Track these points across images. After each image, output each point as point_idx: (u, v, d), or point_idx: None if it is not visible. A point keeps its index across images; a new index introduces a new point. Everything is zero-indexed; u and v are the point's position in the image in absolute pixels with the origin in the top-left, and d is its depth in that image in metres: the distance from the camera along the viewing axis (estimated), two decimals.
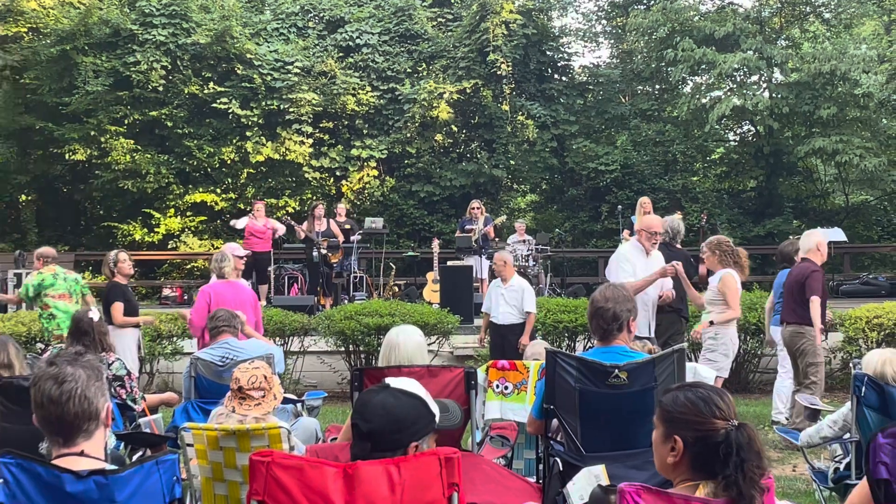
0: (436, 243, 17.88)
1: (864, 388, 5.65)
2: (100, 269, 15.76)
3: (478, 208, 17.00)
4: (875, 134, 23.71)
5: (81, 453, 3.00)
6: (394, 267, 19.43)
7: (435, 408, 3.40)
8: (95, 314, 7.16)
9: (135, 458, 6.07)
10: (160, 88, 22.96)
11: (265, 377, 5.43)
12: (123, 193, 23.27)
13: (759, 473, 2.86)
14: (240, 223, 17.19)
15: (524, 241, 17.62)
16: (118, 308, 10.17)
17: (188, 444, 5.08)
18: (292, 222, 17.36)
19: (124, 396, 6.99)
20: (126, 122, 22.97)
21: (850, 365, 9.00)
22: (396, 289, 18.65)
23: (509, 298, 10.92)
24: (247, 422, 5.11)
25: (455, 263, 16.75)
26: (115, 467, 2.99)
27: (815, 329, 9.09)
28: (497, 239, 17.56)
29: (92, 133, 22.59)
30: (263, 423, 5.09)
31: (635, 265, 8.82)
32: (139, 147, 22.92)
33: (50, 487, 2.87)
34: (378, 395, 3.24)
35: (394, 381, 3.41)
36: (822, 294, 9.32)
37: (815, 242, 9.46)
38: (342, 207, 18.59)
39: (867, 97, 22.41)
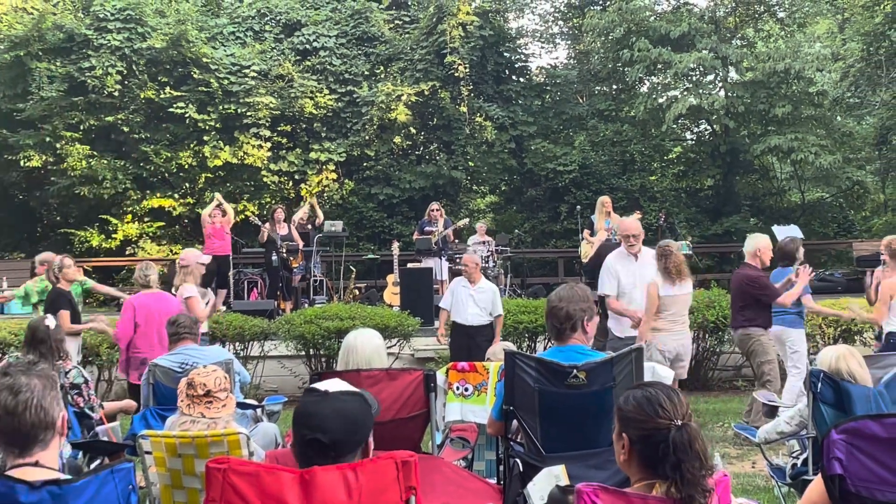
0: (395, 246, 17.83)
1: (819, 385, 5.70)
2: None
3: (437, 210, 17.03)
4: (830, 131, 24.00)
5: (36, 463, 2.98)
6: (354, 270, 19.39)
7: (371, 398, 3.40)
8: (52, 322, 7.11)
9: (93, 466, 6.03)
10: (116, 93, 22.74)
11: (225, 377, 5.44)
12: (80, 200, 23.01)
13: (701, 475, 2.85)
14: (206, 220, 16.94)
15: (484, 242, 17.62)
16: (65, 316, 10.04)
17: (146, 452, 5.05)
18: (258, 221, 17.25)
19: (82, 405, 6.93)
20: (82, 127, 22.72)
21: (806, 361, 9.05)
22: (357, 292, 18.60)
23: (479, 300, 10.96)
24: (220, 424, 5.12)
25: (415, 266, 16.76)
26: (70, 477, 2.97)
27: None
28: (456, 241, 17.56)
29: (47, 139, 22.33)
30: (222, 428, 5.07)
31: (619, 274, 8.86)
32: (95, 153, 22.69)
33: (3, 498, 2.84)
34: (327, 403, 3.20)
35: (327, 386, 3.38)
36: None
37: (757, 247, 9.59)
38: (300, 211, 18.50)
39: (821, 95, 22.73)
